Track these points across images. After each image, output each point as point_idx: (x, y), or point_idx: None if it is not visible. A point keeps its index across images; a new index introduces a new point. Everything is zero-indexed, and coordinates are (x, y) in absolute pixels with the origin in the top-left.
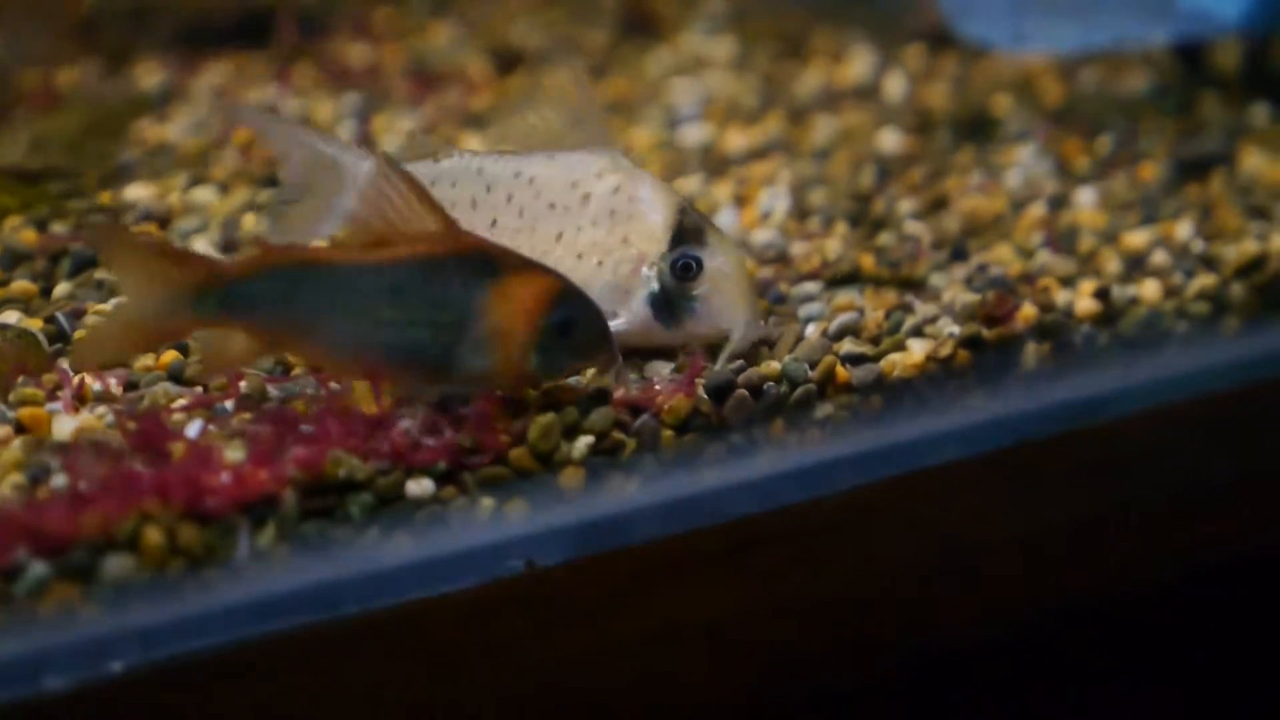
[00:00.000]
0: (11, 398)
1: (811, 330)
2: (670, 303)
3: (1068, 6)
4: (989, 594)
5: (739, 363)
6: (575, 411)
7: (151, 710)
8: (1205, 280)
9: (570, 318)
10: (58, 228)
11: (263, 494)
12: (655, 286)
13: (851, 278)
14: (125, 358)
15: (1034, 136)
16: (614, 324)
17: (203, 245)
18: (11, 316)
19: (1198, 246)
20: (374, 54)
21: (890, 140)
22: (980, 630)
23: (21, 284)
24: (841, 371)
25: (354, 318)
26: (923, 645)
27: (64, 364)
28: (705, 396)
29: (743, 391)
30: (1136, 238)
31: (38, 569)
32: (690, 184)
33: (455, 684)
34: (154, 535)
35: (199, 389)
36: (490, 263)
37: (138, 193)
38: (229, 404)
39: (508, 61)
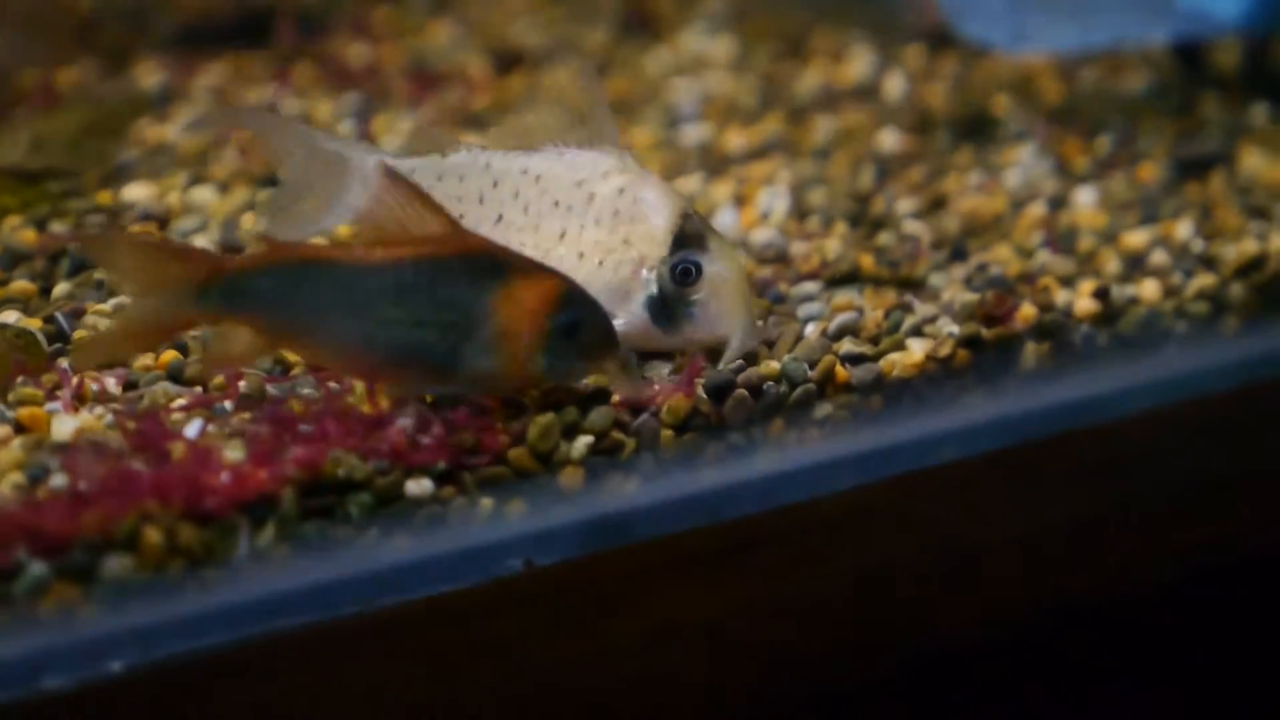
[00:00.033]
0: (11, 397)
1: (811, 330)
2: (668, 307)
3: (1067, 6)
4: (989, 594)
5: (738, 363)
6: (575, 411)
7: (151, 710)
8: (1205, 280)
9: (576, 320)
10: (57, 227)
11: (262, 494)
12: (654, 290)
13: (851, 277)
14: (129, 355)
15: (1033, 136)
16: None
17: (202, 245)
18: (11, 316)
19: (1197, 246)
20: (373, 54)
21: (890, 140)
22: (980, 630)
23: (21, 284)
24: (841, 371)
25: (358, 317)
26: (923, 645)
27: (63, 364)
28: (705, 396)
29: (742, 391)
30: (1136, 237)
31: (37, 569)
32: (689, 183)
33: (455, 684)
34: (153, 535)
35: (198, 389)
36: (496, 264)
37: (137, 192)
38: (228, 404)
39: (507, 61)
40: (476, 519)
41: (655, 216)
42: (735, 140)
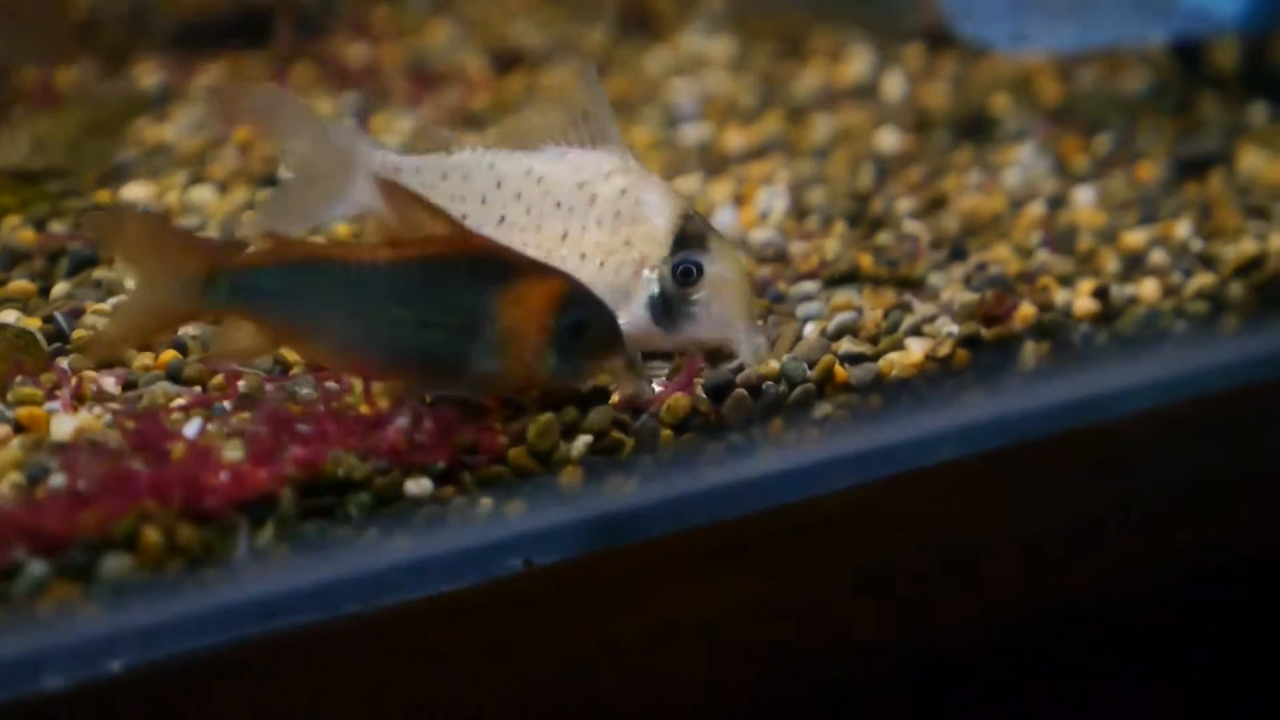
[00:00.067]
0: (10, 397)
1: (810, 329)
2: (670, 307)
3: (1066, 6)
4: (989, 594)
5: (737, 362)
6: (574, 411)
7: (150, 710)
8: (1204, 279)
9: (582, 320)
10: (56, 227)
11: (261, 493)
12: (655, 290)
13: (850, 277)
14: (136, 343)
15: (1032, 136)
16: None
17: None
18: (10, 316)
19: (1196, 246)
20: (372, 53)
21: (889, 139)
22: (980, 630)
23: (20, 283)
24: (840, 371)
25: (364, 317)
26: (923, 645)
27: (62, 363)
28: (704, 396)
29: (741, 391)
30: (1135, 237)
31: (36, 568)
32: (689, 183)
33: (454, 683)
34: (152, 534)
35: (197, 388)
36: (502, 265)
37: (136, 192)
38: (227, 403)
39: (507, 61)
40: (476, 518)
41: (656, 217)
42: (734, 140)
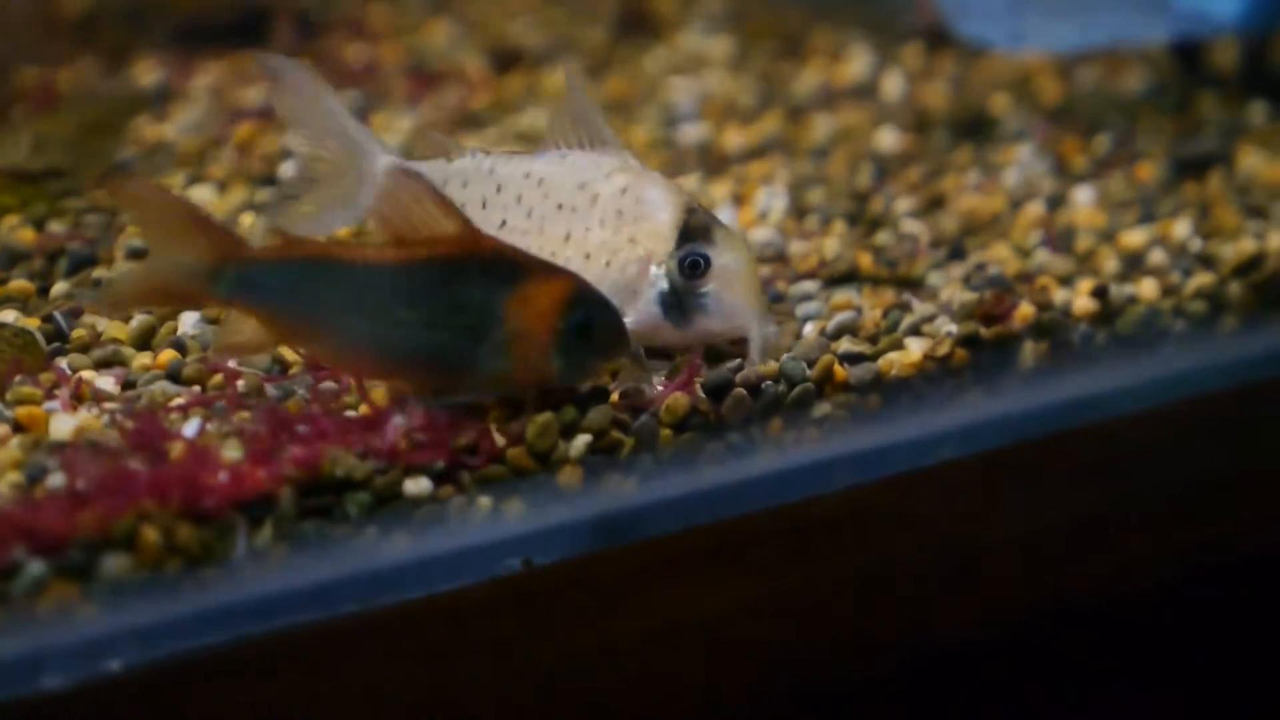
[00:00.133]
0: (9, 397)
1: (809, 329)
2: (679, 301)
3: (1066, 6)
4: (988, 594)
5: (736, 362)
6: (573, 410)
7: (150, 709)
8: (1203, 279)
9: (589, 319)
10: (56, 227)
11: (260, 493)
12: (664, 285)
13: (849, 276)
14: (141, 307)
15: (1032, 135)
16: None
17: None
18: (9, 315)
19: (1195, 245)
20: (372, 53)
21: (888, 139)
22: (980, 630)
23: (19, 283)
24: (839, 370)
25: (371, 317)
26: (922, 645)
27: (61, 363)
28: (703, 395)
29: (741, 390)
30: (1134, 236)
31: (35, 568)
32: (688, 183)
33: (454, 683)
34: (151, 534)
35: (196, 388)
36: (509, 266)
37: None
38: (225, 403)
39: (506, 60)
40: (475, 518)
41: (659, 213)
42: (734, 139)
